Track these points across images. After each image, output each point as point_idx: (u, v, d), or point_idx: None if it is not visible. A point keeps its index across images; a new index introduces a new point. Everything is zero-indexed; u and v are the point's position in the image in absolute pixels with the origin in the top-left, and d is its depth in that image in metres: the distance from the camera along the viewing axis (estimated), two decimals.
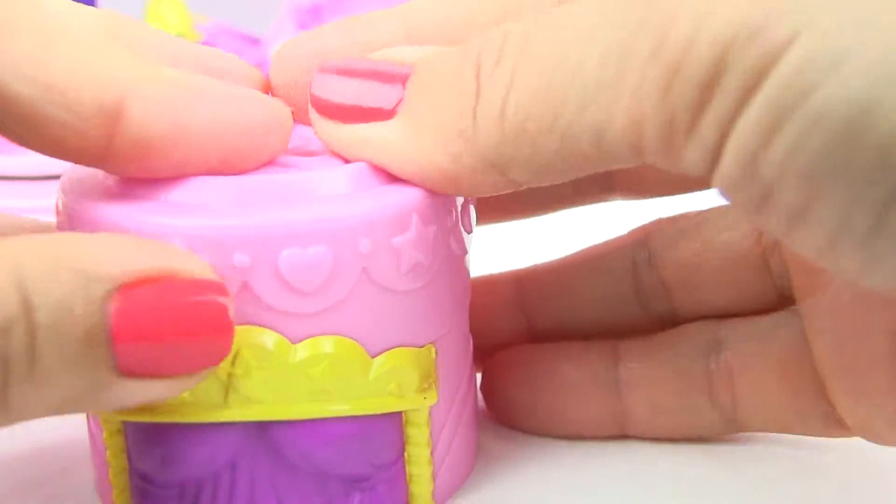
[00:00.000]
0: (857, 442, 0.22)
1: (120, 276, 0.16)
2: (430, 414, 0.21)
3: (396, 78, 0.19)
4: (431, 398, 0.20)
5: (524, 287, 0.26)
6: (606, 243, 0.26)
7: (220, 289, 0.17)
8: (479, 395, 0.26)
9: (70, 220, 0.20)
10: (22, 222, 0.24)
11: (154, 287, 0.17)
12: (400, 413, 0.20)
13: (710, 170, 0.16)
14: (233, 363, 0.18)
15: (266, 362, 0.19)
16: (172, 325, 0.17)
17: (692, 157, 0.16)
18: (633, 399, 0.25)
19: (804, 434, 0.24)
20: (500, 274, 0.27)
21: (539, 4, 0.20)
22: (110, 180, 0.20)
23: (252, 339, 0.19)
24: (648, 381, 0.24)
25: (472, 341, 0.24)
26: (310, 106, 0.21)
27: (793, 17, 0.14)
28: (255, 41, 0.56)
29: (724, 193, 0.16)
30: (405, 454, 0.21)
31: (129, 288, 0.16)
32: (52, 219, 0.21)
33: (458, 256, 0.21)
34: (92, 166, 0.19)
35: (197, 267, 0.17)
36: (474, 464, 0.24)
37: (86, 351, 0.16)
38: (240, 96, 0.20)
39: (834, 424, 0.22)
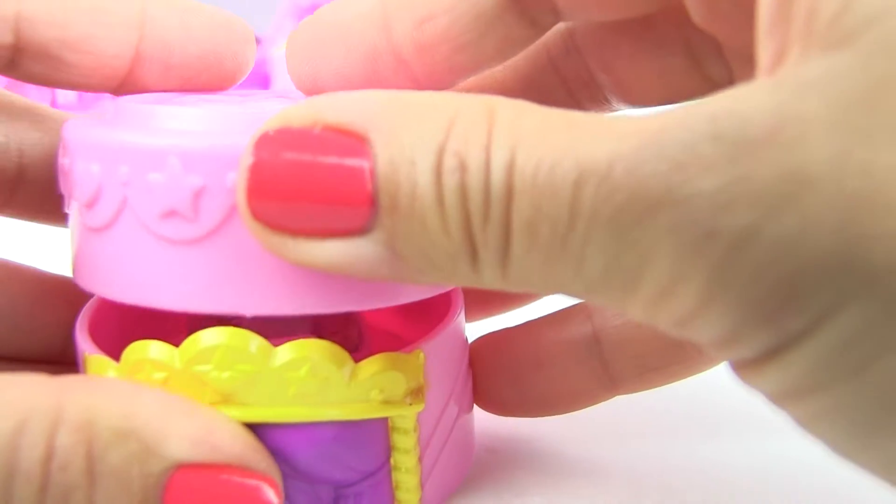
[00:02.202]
0: None
1: (180, 457, 0.17)
2: (417, 420, 0.20)
3: (358, 177, 0.16)
4: (418, 405, 0.20)
5: None
6: None
7: (271, 482, 0.18)
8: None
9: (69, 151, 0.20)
10: (21, 270, 0.25)
11: (208, 474, 0.18)
12: (386, 419, 0.20)
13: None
14: (215, 366, 0.18)
15: (247, 365, 0.18)
16: None
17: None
18: (618, 360, 0.24)
19: None
20: None
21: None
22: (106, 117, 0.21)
23: (234, 342, 0.18)
24: (630, 338, 0.24)
25: (467, 346, 0.24)
26: (248, 215, 0.17)
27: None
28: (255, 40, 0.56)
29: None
30: (391, 461, 0.20)
31: (186, 471, 0.17)
32: None
33: None
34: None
35: (255, 459, 0.18)
36: (468, 470, 0.24)
37: None
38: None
39: None
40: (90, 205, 0.19)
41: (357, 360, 0.19)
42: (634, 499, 0.23)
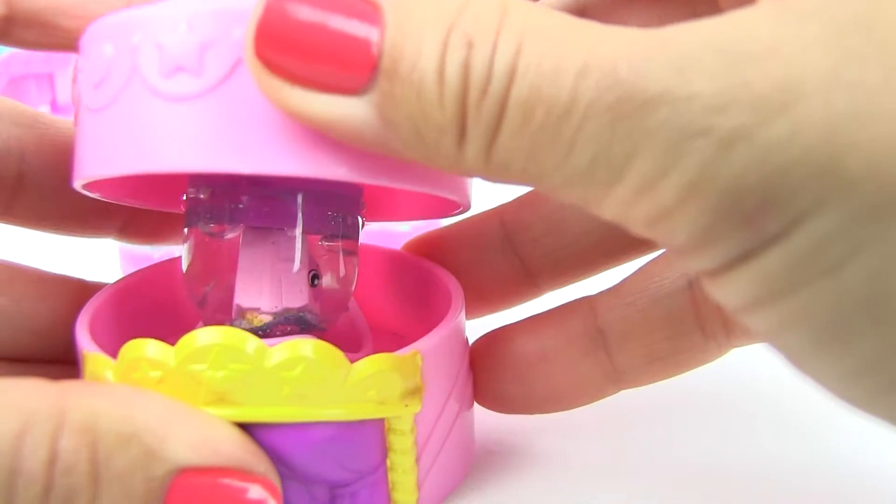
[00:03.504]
0: None
1: (182, 461, 0.17)
2: (414, 421, 0.20)
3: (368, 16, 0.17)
4: (414, 406, 0.20)
5: (509, 227, 0.26)
6: None
7: (270, 485, 0.18)
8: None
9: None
10: (23, 270, 0.25)
11: (209, 477, 0.18)
12: (382, 420, 0.20)
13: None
14: (210, 365, 0.18)
15: (242, 364, 0.18)
16: None
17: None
18: (623, 352, 0.24)
19: None
20: (483, 213, 0.26)
21: None
22: None
23: (229, 341, 0.18)
24: (635, 329, 0.24)
25: (468, 346, 0.24)
26: (252, 54, 0.17)
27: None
28: None
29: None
30: (388, 461, 0.20)
31: (188, 475, 0.18)
32: None
33: None
34: None
35: (254, 462, 0.18)
36: (468, 470, 0.24)
37: None
38: None
39: None
40: (98, 84, 0.19)
41: (359, 358, 0.19)
42: (640, 499, 0.23)
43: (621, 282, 0.24)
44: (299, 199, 0.22)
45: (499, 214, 0.26)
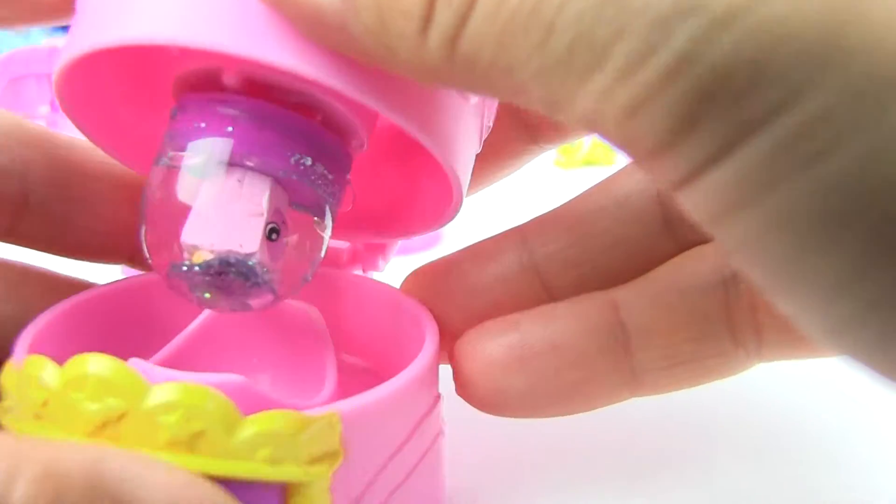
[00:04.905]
0: None
1: None
2: (333, 488, 0.18)
3: None
4: (321, 472, 0.18)
5: (531, 242, 0.24)
6: (618, 175, 0.23)
7: None
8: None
9: None
10: (32, 272, 0.24)
11: None
12: (284, 482, 0.18)
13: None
14: (87, 395, 0.17)
15: (118, 400, 0.17)
16: None
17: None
18: (644, 350, 0.22)
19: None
20: (501, 234, 0.24)
21: None
22: None
23: (108, 373, 0.17)
24: (660, 325, 0.22)
25: (434, 397, 0.21)
26: None
27: None
28: None
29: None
30: None
31: None
32: None
33: None
34: None
35: None
36: None
37: None
38: None
39: None
40: None
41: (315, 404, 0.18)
42: None
43: (648, 274, 0.22)
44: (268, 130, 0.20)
45: (520, 232, 0.24)
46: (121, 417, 0.17)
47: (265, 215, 0.21)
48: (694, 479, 0.25)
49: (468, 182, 0.22)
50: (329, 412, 0.18)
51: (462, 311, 0.24)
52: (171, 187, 0.21)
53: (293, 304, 0.25)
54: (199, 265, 0.20)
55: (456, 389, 0.23)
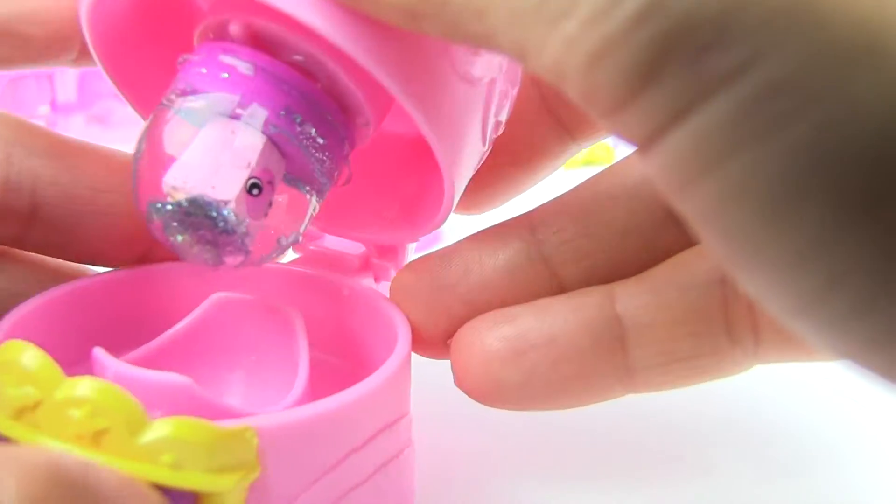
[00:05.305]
0: None
1: None
2: (247, 499, 0.18)
3: None
4: (229, 483, 0.18)
5: (539, 230, 0.23)
6: (624, 162, 0.23)
7: None
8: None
9: None
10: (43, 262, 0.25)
11: None
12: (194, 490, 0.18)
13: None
14: (6, 381, 0.17)
15: (35, 390, 0.17)
16: None
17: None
18: (641, 346, 0.21)
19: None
20: (507, 222, 0.24)
21: None
22: None
23: (28, 361, 0.17)
24: (658, 320, 0.21)
25: (407, 420, 0.21)
26: None
27: None
28: None
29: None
30: None
31: None
32: None
33: None
34: None
35: None
36: None
37: None
38: None
39: None
40: None
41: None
42: None
43: (648, 270, 0.22)
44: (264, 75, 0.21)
45: (528, 219, 0.24)
46: (36, 406, 0.17)
47: (250, 168, 0.21)
48: (694, 479, 0.25)
49: (464, 164, 0.22)
50: (244, 426, 0.18)
51: (464, 303, 0.24)
52: (163, 129, 0.21)
53: (275, 305, 0.25)
54: (171, 204, 0.21)
55: (454, 380, 0.23)
